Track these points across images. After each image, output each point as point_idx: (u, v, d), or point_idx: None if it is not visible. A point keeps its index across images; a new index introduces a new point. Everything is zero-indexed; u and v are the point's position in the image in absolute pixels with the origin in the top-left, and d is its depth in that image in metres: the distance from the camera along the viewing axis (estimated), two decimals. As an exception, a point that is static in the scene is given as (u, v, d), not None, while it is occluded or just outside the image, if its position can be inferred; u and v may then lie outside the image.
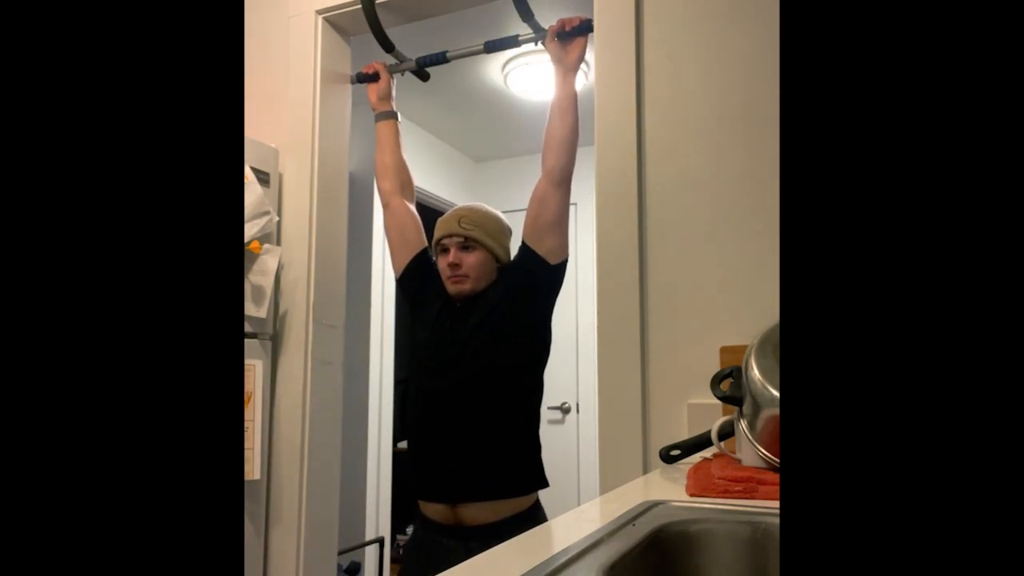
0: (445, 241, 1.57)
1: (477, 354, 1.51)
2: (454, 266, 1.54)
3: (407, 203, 1.75)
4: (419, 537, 1.56)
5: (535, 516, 1.51)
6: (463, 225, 1.55)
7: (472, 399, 1.50)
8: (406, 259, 1.68)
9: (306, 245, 1.88)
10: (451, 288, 1.56)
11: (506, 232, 1.63)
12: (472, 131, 3.68)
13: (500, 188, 4.06)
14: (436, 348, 1.55)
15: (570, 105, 1.57)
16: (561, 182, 1.54)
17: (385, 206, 1.76)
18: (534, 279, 1.54)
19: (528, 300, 1.54)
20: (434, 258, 1.66)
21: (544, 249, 1.54)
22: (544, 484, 1.54)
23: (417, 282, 1.66)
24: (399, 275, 1.70)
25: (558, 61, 1.62)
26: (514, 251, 1.61)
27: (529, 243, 1.55)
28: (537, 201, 1.55)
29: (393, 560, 3.39)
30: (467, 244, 1.55)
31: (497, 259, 1.59)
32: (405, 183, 1.79)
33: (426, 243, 1.72)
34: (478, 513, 1.46)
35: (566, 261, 1.57)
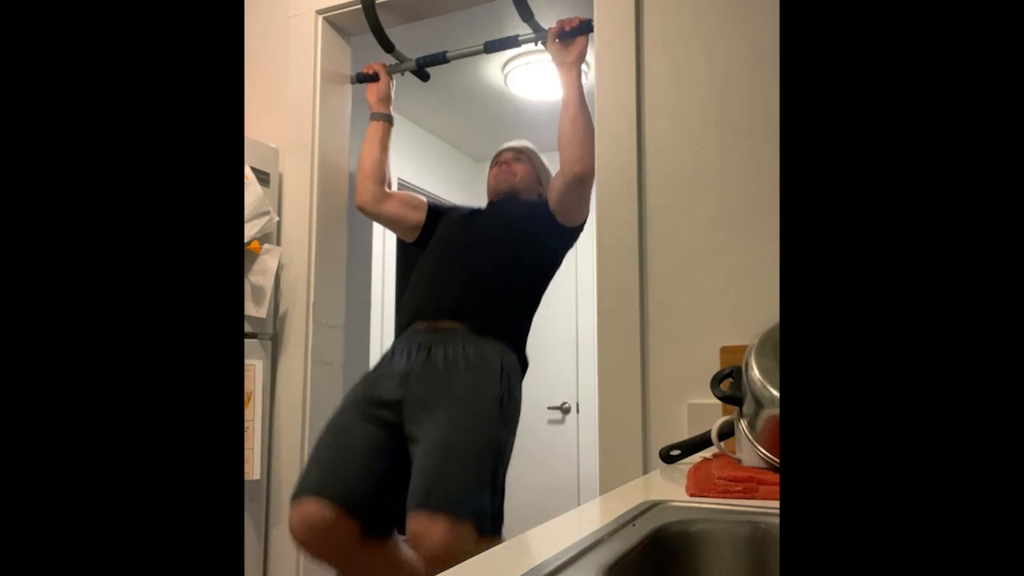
0: (505, 155, 1.84)
1: (500, 235, 1.68)
2: (506, 164, 1.82)
3: (388, 192, 1.91)
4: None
5: (516, 356, 1.60)
6: (519, 146, 1.86)
7: (483, 262, 1.64)
8: (421, 218, 1.85)
9: (306, 245, 1.88)
10: (497, 182, 1.82)
11: (549, 173, 1.87)
12: (472, 131, 3.68)
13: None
14: (461, 231, 1.72)
15: (575, 103, 1.59)
16: (570, 176, 1.61)
17: (379, 204, 1.87)
18: (550, 224, 1.71)
19: (545, 232, 1.71)
20: (436, 208, 1.87)
21: (564, 219, 1.70)
22: (525, 364, 1.64)
23: (437, 222, 1.83)
24: (419, 235, 1.85)
25: (560, 63, 1.64)
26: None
27: (550, 200, 1.70)
28: (557, 192, 1.67)
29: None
30: (520, 157, 1.83)
31: (540, 182, 1.84)
32: (387, 180, 1.94)
33: (424, 197, 1.93)
34: (453, 328, 1.57)
35: (583, 223, 1.73)
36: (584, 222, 1.74)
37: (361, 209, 1.88)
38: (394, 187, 1.97)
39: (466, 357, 1.50)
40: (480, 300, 1.60)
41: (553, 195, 1.67)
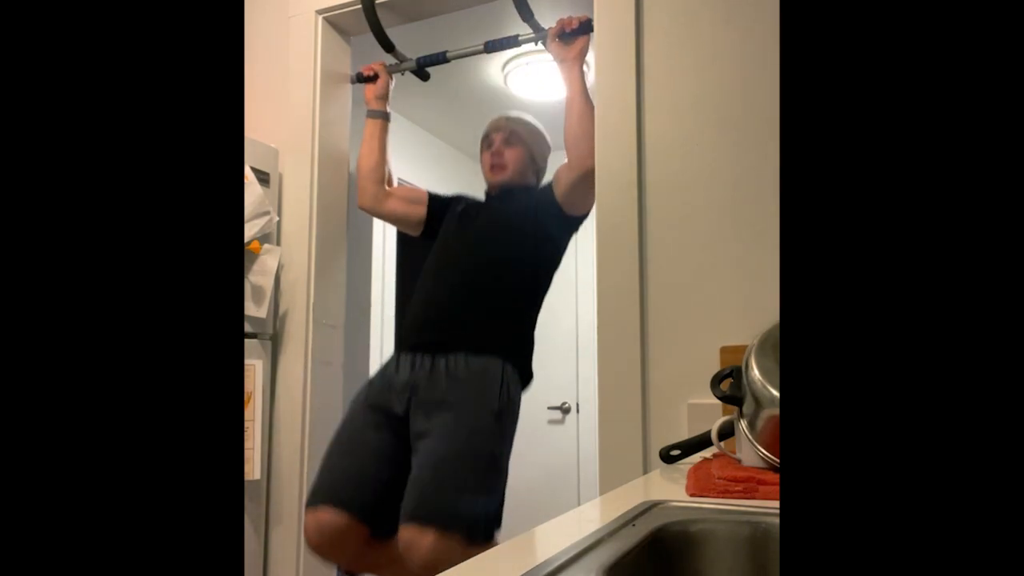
0: (493, 135, 1.72)
1: (498, 237, 1.62)
2: (497, 155, 1.69)
3: (389, 189, 1.89)
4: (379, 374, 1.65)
5: (514, 363, 1.56)
6: (510, 122, 1.72)
7: (484, 268, 1.60)
8: (423, 213, 1.81)
9: (306, 245, 1.88)
10: (490, 176, 1.72)
11: (547, 145, 1.78)
12: (472, 131, 3.67)
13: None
14: (461, 231, 1.67)
15: (579, 99, 1.61)
16: (578, 170, 1.60)
17: (380, 203, 1.86)
18: (553, 213, 1.67)
19: (547, 223, 1.67)
20: (440, 197, 1.82)
21: (569, 209, 1.66)
22: (529, 376, 1.61)
23: (442, 217, 1.78)
24: (424, 229, 1.82)
25: (561, 60, 1.64)
26: (550, 167, 1.75)
27: (556, 192, 1.65)
28: (565, 186, 1.64)
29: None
30: (510, 139, 1.70)
31: (535, 161, 1.74)
32: (387, 178, 1.91)
33: (424, 189, 1.88)
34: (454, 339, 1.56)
35: (586, 214, 1.69)
36: (590, 211, 1.70)
37: (363, 210, 1.89)
38: (394, 184, 1.95)
39: (468, 369, 1.51)
40: (480, 316, 1.58)
41: (560, 188, 1.64)
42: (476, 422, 1.44)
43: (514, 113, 1.77)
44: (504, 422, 1.49)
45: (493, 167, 1.70)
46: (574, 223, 1.70)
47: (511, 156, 1.70)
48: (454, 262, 1.64)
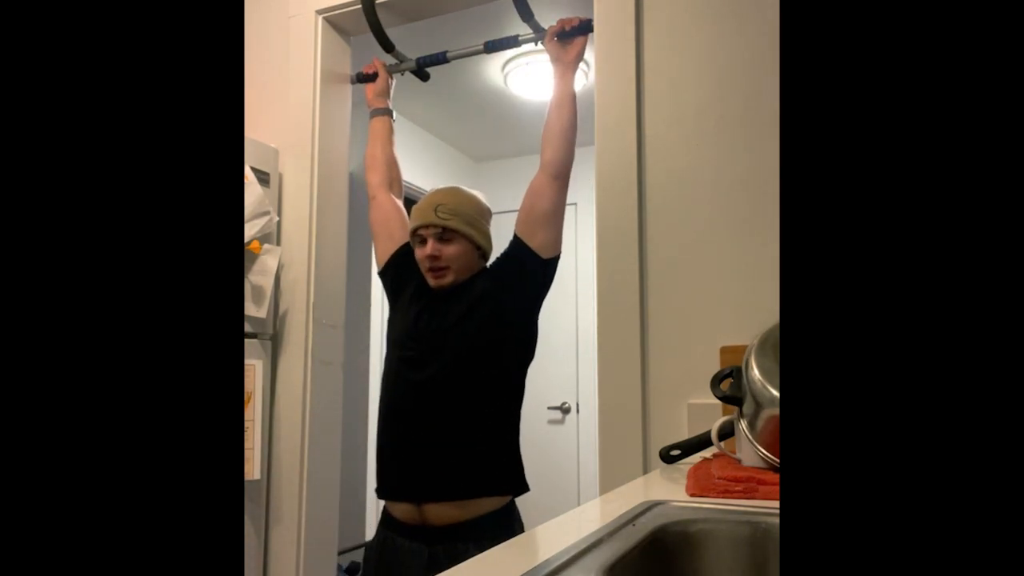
0: (422, 232, 1.49)
1: (459, 344, 1.43)
2: (433, 258, 1.47)
3: (393, 197, 1.73)
4: (380, 539, 1.48)
5: (507, 517, 1.42)
6: (440, 215, 1.47)
7: (448, 390, 1.42)
8: (389, 252, 1.63)
9: (306, 245, 1.88)
10: (432, 282, 1.49)
11: (486, 215, 1.56)
12: (472, 131, 3.68)
13: (500, 188, 4.06)
14: (416, 339, 1.48)
15: (567, 101, 1.56)
16: (558, 175, 1.50)
17: (372, 198, 1.73)
18: (524, 273, 1.48)
19: (516, 294, 1.48)
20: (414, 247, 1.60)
21: (536, 243, 1.47)
22: (523, 489, 1.47)
23: (400, 274, 1.61)
24: (381, 268, 1.65)
25: (556, 60, 1.62)
26: (499, 242, 1.56)
27: (521, 236, 1.49)
28: (533, 193, 1.50)
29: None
30: (445, 235, 1.47)
31: (478, 247, 1.51)
32: (394, 179, 1.76)
33: (408, 238, 1.65)
34: (444, 512, 1.38)
35: (558, 257, 1.52)
36: (557, 258, 1.51)
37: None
38: (400, 187, 1.82)
39: (464, 553, 1.35)
40: (459, 471, 1.40)
41: (528, 199, 1.50)
42: None
43: (441, 197, 1.51)
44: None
45: (433, 272, 1.48)
46: (548, 270, 1.50)
47: (450, 254, 1.47)
48: (417, 423, 1.44)
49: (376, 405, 3.30)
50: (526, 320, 1.51)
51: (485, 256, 1.55)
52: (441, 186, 1.61)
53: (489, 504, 1.41)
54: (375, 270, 3.28)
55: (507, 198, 3.93)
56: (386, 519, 1.49)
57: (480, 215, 1.53)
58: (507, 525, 1.41)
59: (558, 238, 1.52)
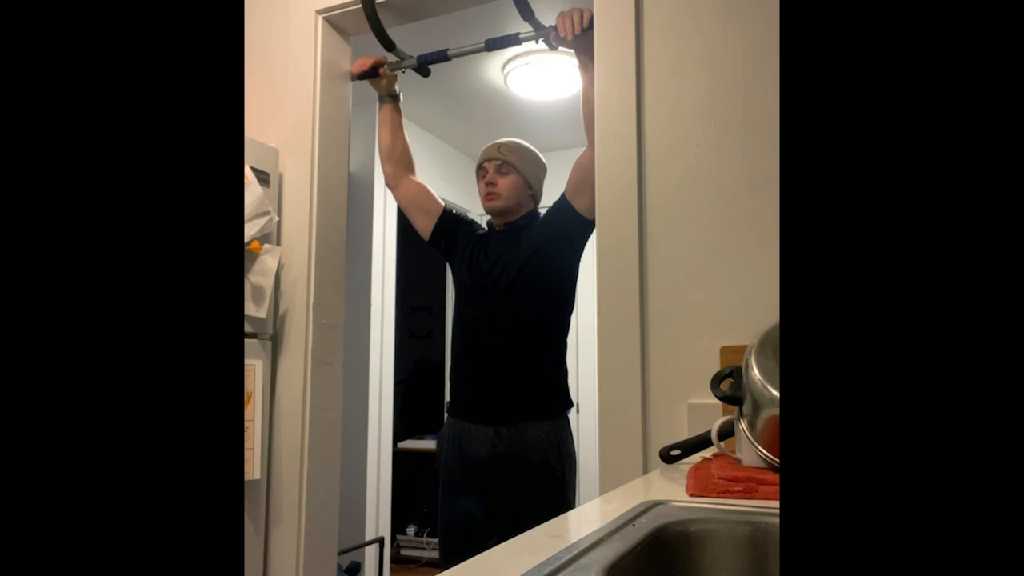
0: (485, 165, 1.79)
1: (511, 283, 1.69)
2: (490, 184, 1.76)
3: (413, 178, 1.93)
4: (448, 426, 1.78)
5: (562, 420, 1.72)
6: (502, 151, 1.78)
7: (506, 325, 1.69)
8: (432, 223, 1.88)
9: (306, 245, 1.88)
10: (485, 204, 1.78)
11: (541, 167, 1.83)
12: (472, 131, 3.68)
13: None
14: (474, 279, 1.75)
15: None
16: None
17: (394, 187, 1.92)
18: (568, 229, 1.73)
19: (562, 247, 1.73)
20: (454, 212, 1.90)
21: (581, 204, 1.69)
22: (570, 404, 1.77)
23: (449, 236, 1.86)
24: (429, 237, 1.89)
25: (581, 50, 1.65)
26: (549, 193, 1.82)
27: (570, 198, 1.72)
28: (583, 167, 1.69)
29: (393, 560, 3.38)
30: (503, 168, 1.77)
31: (530, 186, 1.79)
32: (408, 162, 1.94)
33: (443, 204, 1.91)
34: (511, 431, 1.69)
35: (594, 223, 1.72)
36: (593, 222, 1.74)
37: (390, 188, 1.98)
38: (414, 169, 1.99)
39: (527, 441, 1.66)
40: (520, 392, 1.69)
41: (579, 171, 1.69)
42: (546, 489, 1.63)
43: (507, 140, 1.83)
44: (566, 471, 1.68)
45: (488, 195, 1.78)
46: (588, 230, 1.74)
47: (504, 184, 1.76)
48: (482, 348, 1.74)
49: (376, 404, 3.30)
50: (570, 269, 1.78)
51: (535, 198, 1.84)
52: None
53: (547, 410, 1.72)
54: (375, 270, 3.29)
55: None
56: (454, 410, 1.78)
57: (536, 163, 1.83)
58: (562, 426, 1.72)
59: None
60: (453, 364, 1.81)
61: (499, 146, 1.79)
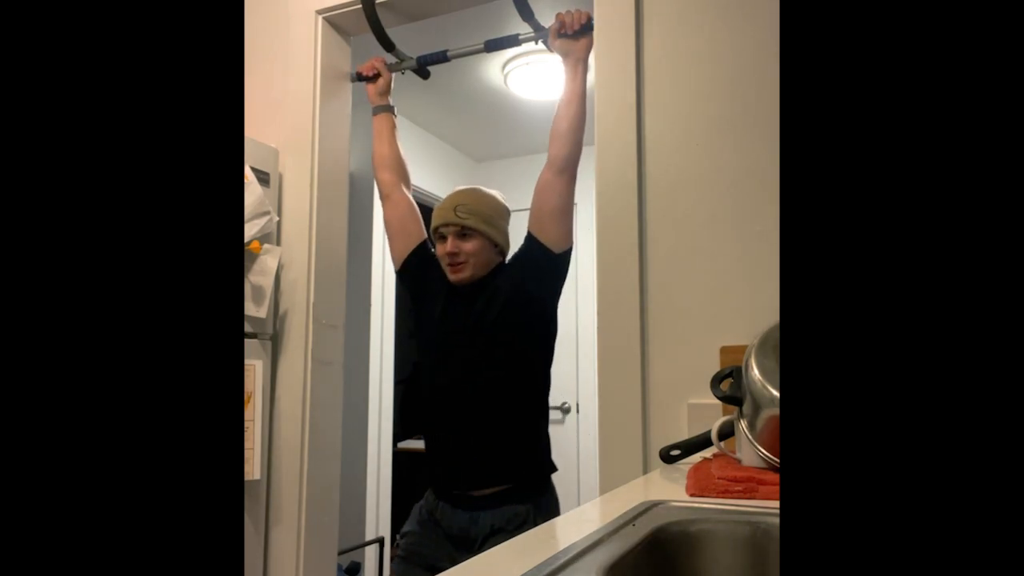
0: (443, 230, 1.58)
1: (484, 342, 1.52)
2: (452, 255, 1.55)
3: (407, 194, 1.78)
4: (423, 506, 1.61)
5: (548, 493, 1.54)
6: (459, 214, 1.55)
7: (482, 389, 1.51)
8: (407, 250, 1.69)
9: (306, 245, 1.88)
10: (451, 276, 1.57)
11: (504, 215, 1.65)
12: (472, 131, 3.68)
13: (500, 188, 4.03)
14: (443, 337, 1.57)
15: (576, 97, 1.58)
16: (563, 170, 1.55)
17: (386, 197, 1.76)
18: (539, 268, 1.55)
19: (534, 290, 1.55)
20: (433, 248, 1.67)
21: (547, 238, 1.54)
22: (552, 468, 1.58)
23: (419, 272, 1.68)
24: (400, 266, 1.71)
25: (567, 54, 1.62)
26: (515, 239, 1.62)
27: (533, 232, 1.56)
28: (540, 190, 1.56)
29: (393, 560, 3.38)
30: (464, 232, 1.56)
31: (495, 244, 1.60)
32: (404, 175, 1.81)
33: (426, 234, 1.73)
34: (489, 496, 1.51)
35: (570, 250, 1.58)
36: (569, 250, 1.58)
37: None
38: (410, 182, 1.84)
39: (505, 528, 1.47)
40: (498, 461, 1.50)
41: (536, 196, 1.55)
42: None
43: (461, 197, 1.59)
44: None
45: (453, 268, 1.56)
46: (561, 263, 1.57)
47: (468, 250, 1.55)
48: (454, 412, 1.54)
49: (376, 404, 3.29)
50: (547, 314, 1.59)
51: (503, 253, 1.64)
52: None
53: (530, 487, 1.53)
54: (375, 270, 3.29)
55: (507, 198, 3.92)
56: (430, 495, 1.60)
57: (498, 214, 1.62)
58: (542, 493, 1.53)
59: (568, 232, 1.58)
60: (429, 437, 1.61)
61: (455, 208, 1.56)
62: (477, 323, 1.53)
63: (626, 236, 1.47)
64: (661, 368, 1.42)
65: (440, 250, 1.59)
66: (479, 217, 1.56)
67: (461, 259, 1.55)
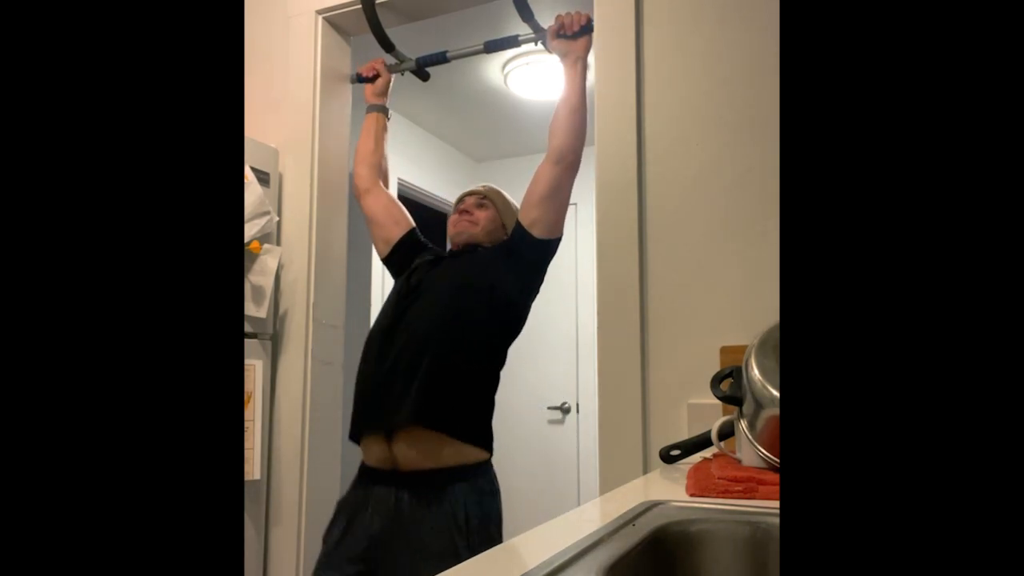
0: (467, 200, 1.72)
1: (451, 297, 1.51)
2: (467, 212, 1.68)
3: (384, 189, 1.81)
4: (350, 491, 1.52)
5: (480, 476, 1.43)
6: (483, 189, 1.75)
7: (434, 335, 1.47)
8: (396, 236, 1.72)
9: (306, 245, 1.88)
10: (458, 228, 1.67)
11: (516, 214, 1.71)
12: (472, 131, 3.68)
13: (500, 188, 4.06)
14: (411, 290, 1.56)
15: (575, 96, 1.56)
16: (558, 161, 1.53)
17: (365, 192, 1.76)
18: (518, 251, 1.56)
19: (510, 271, 1.55)
20: (426, 242, 1.76)
21: (528, 220, 1.54)
22: (489, 448, 1.48)
23: (405, 257, 1.70)
24: (388, 253, 1.72)
25: (565, 54, 1.62)
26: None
27: (519, 218, 1.59)
28: (534, 178, 1.58)
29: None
30: (482, 203, 1.70)
31: (504, 227, 1.71)
32: (383, 175, 1.83)
33: (414, 223, 1.76)
34: (414, 455, 1.40)
35: (551, 241, 1.55)
36: (558, 239, 1.57)
37: (356, 197, 1.83)
38: (392, 186, 1.89)
39: (428, 502, 1.39)
40: (429, 403, 1.42)
41: (536, 186, 1.55)
42: (443, 551, 1.35)
43: (487, 184, 1.78)
44: (475, 536, 1.38)
45: (460, 224, 1.65)
46: (536, 248, 1.55)
47: (483, 215, 1.67)
48: (392, 346, 1.49)
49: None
50: (518, 297, 1.56)
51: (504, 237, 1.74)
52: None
53: (458, 454, 1.41)
54: (375, 270, 3.29)
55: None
56: (360, 472, 1.50)
57: (512, 210, 1.75)
58: (479, 479, 1.42)
59: (553, 220, 1.55)
60: (356, 385, 1.55)
61: (481, 185, 1.75)
62: (452, 280, 1.54)
63: (626, 236, 1.47)
64: (661, 368, 1.42)
65: (454, 217, 1.71)
66: (500, 198, 1.73)
67: (475, 218, 1.67)
